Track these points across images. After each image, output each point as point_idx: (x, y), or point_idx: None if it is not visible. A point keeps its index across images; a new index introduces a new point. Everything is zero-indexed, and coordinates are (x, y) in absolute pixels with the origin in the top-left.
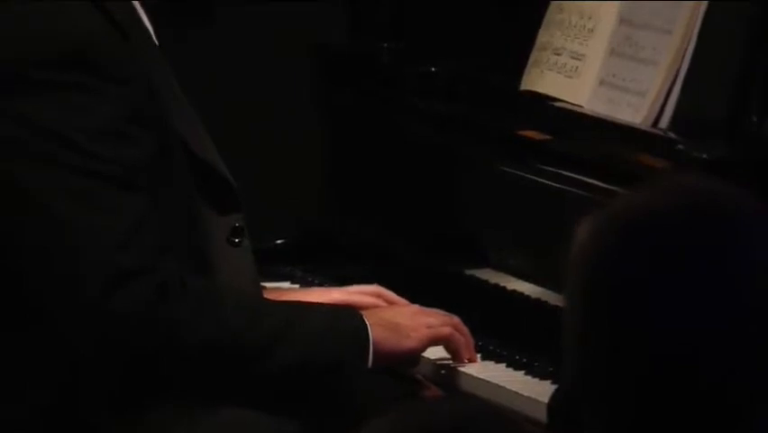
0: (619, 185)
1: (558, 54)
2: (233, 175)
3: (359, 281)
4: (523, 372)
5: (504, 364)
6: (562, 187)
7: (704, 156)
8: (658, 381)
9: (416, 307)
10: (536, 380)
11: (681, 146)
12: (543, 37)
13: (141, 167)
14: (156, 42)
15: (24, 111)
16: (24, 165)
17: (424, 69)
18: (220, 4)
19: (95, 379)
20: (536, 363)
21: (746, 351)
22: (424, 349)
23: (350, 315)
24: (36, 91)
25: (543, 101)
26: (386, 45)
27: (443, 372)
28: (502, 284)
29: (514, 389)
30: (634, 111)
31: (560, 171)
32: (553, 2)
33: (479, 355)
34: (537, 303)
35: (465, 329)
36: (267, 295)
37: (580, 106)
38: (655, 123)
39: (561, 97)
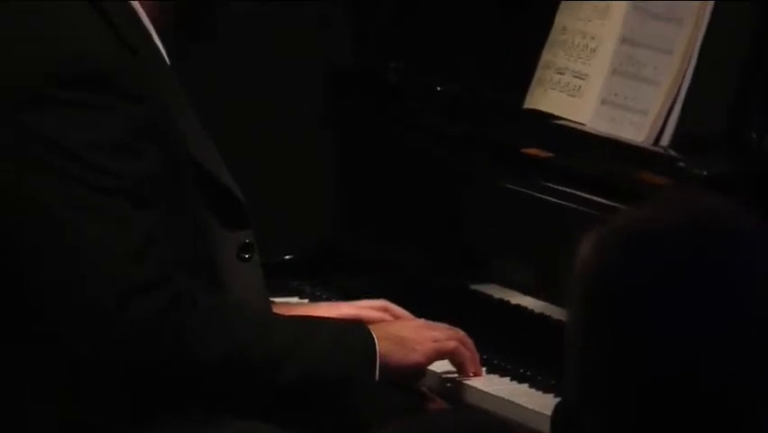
0: (621, 202)
1: (561, 73)
2: (240, 189)
3: (366, 296)
4: (527, 385)
5: (508, 378)
6: (565, 203)
7: (704, 173)
8: (659, 388)
9: (421, 321)
10: (540, 393)
11: (681, 163)
12: (546, 56)
13: (151, 182)
14: (167, 61)
15: (39, 127)
16: (38, 180)
17: (429, 88)
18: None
19: (102, 390)
20: (540, 377)
21: (747, 357)
22: (430, 363)
23: (358, 329)
24: (51, 108)
25: (546, 119)
26: (392, 65)
27: (448, 385)
28: (506, 299)
29: (518, 402)
30: (636, 129)
31: (563, 188)
32: (556, 22)
33: (484, 369)
34: (541, 317)
35: (470, 343)
36: (276, 310)
37: (583, 125)
38: (657, 140)
39: (564, 116)
